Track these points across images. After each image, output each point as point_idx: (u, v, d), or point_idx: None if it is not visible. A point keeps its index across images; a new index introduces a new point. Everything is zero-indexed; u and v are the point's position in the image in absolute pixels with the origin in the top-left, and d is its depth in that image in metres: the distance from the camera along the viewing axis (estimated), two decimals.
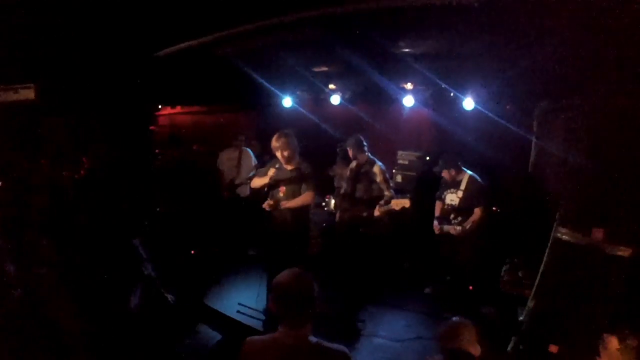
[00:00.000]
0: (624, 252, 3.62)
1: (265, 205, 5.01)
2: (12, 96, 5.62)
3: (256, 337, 2.31)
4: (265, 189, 5.22)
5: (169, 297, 4.45)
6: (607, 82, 4.21)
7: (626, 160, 3.93)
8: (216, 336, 4.87)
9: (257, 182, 5.23)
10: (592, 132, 4.42)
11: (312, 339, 2.21)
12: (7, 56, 5.17)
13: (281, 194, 5.02)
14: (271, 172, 5.01)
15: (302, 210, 5.03)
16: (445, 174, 5.56)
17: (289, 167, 5.03)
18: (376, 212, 5.41)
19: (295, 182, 4.99)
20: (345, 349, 2.25)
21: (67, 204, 5.91)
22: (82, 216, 5.26)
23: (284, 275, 2.28)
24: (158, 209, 7.19)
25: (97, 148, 7.36)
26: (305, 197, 4.97)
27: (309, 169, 5.05)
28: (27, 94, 5.69)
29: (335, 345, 2.24)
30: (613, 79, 4.12)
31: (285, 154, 4.92)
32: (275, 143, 4.91)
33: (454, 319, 2.78)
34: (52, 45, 5.25)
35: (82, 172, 6.62)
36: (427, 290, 6.04)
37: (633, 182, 3.82)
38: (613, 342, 2.51)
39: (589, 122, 4.61)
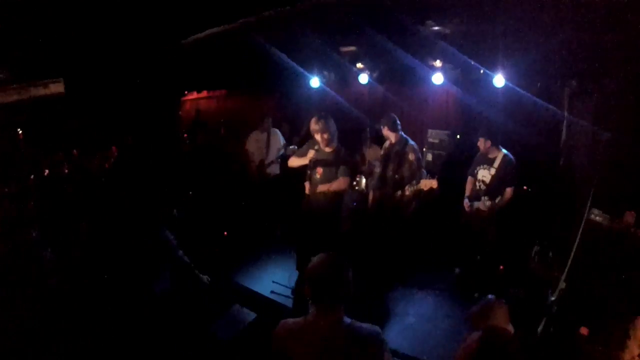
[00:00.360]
0: None
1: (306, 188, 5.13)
2: (42, 91, 5.78)
3: (290, 321, 2.32)
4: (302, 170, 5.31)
5: (204, 277, 4.57)
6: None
7: None
8: (250, 315, 4.99)
9: (296, 161, 5.32)
10: (624, 114, 4.34)
11: (346, 320, 2.24)
12: (35, 52, 5.31)
13: (318, 176, 5.08)
14: (311, 154, 5.06)
15: (336, 194, 5.07)
16: (480, 143, 5.46)
17: (328, 150, 5.07)
18: (406, 192, 5.44)
19: (332, 164, 5.03)
20: (378, 329, 2.26)
21: (98, 192, 6.12)
22: (112, 204, 5.44)
23: (318, 260, 2.30)
24: (189, 193, 7.34)
25: (126, 137, 7.56)
26: (340, 182, 5.02)
27: (346, 154, 5.11)
28: (57, 88, 5.85)
29: (367, 326, 2.26)
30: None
31: (325, 136, 4.96)
32: (314, 126, 4.95)
33: (489, 296, 2.75)
34: (80, 39, 5.36)
35: (111, 160, 6.81)
36: (457, 270, 6.02)
37: None
38: None
39: (620, 102, 4.53)
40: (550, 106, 5.79)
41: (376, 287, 5.67)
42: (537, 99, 5.82)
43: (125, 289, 4.03)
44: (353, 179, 6.98)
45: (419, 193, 5.51)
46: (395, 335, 4.78)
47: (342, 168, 5.01)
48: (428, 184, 5.21)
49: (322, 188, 5.02)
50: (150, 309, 3.99)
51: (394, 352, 4.47)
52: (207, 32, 5.41)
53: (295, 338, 2.24)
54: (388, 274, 5.87)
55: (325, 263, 2.28)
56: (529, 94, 5.85)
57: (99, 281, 4.30)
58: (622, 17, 3.86)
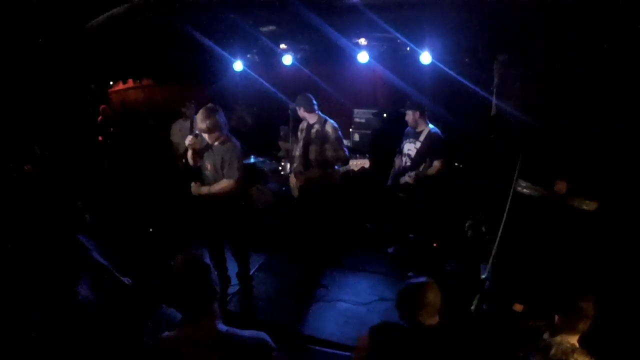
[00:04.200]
0: (589, 205, 3.56)
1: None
2: None
3: (168, 335, 2.13)
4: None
5: (125, 279, 4.22)
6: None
7: (586, 117, 3.88)
8: (178, 314, 4.69)
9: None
10: (549, 88, 4.35)
11: (222, 327, 2.07)
12: None
13: (207, 172, 4.70)
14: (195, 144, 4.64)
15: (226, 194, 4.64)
16: (409, 116, 5.36)
17: (217, 144, 4.61)
18: (334, 173, 5.28)
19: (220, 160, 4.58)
20: (265, 337, 2.11)
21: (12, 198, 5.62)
22: (25, 209, 5.00)
23: (176, 266, 2.17)
24: (115, 188, 6.94)
25: (46, 136, 7.01)
26: (223, 185, 4.57)
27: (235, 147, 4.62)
28: None
29: (250, 333, 2.10)
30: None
31: (215, 135, 4.48)
32: (200, 124, 4.41)
33: (420, 279, 2.65)
34: None
35: (31, 164, 6.31)
36: (390, 250, 5.97)
37: (591, 136, 3.77)
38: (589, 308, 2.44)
39: (544, 76, 4.54)
40: (479, 82, 5.79)
41: (307, 274, 5.52)
42: (465, 76, 5.81)
43: (44, 298, 3.66)
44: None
45: (350, 174, 5.36)
46: (329, 322, 4.67)
47: (228, 167, 4.52)
48: (359, 163, 5.05)
49: (203, 190, 4.61)
50: (74, 317, 3.64)
51: (328, 342, 4.35)
52: (110, 13, 4.96)
53: (174, 352, 2.07)
54: (319, 258, 5.73)
55: (181, 266, 2.16)
56: (456, 72, 5.84)
57: (15, 291, 3.90)
58: None
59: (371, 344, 2.55)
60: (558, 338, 2.45)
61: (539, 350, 2.45)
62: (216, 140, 4.53)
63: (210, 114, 4.37)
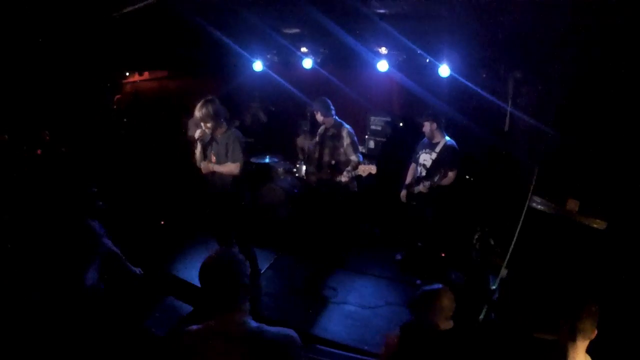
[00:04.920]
0: (599, 224, 3.63)
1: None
2: None
3: (193, 328, 2.10)
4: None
5: (136, 269, 4.27)
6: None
7: (598, 134, 3.93)
8: (185, 307, 4.76)
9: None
10: (563, 105, 4.41)
11: (252, 323, 2.06)
12: None
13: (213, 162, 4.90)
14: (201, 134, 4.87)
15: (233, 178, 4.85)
16: (426, 126, 5.42)
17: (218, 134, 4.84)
18: (343, 178, 5.34)
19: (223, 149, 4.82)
20: (292, 333, 2.08)
21: (25, 181, 5.69)
22: (39, 192, 5.06)
23: (207, 259, 2.13)
24: (127, 179, 7.01)
25: (58, 122, 7.09)
26: (230, 167, 4.78)
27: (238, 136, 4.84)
28: None
29: (280, 330, 2.07)
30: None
31: (209, 125, 4.69)
32: (197, 113, 4.64)
33: (435, 285, 2.73)
34: None
35: (42, 148, 6.39)
36: (397, 256, 6.04)
37: (605, 155, 3.82)
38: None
39: (559, 93, 4.60)
40: (495, 96, 5.84)
41: (316, 275, 5.59)
42: (482, 90, 5.85)
43: (52, 282, 3.71)
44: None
45: (357, 179, 5.46)
46: (336, 324, 4.73)
47: (232, 151, 4.75)
48: (366, 169, 5.13)
49: (205, 166, 4.87)
50: (80, 303, 3.68)
51: (334, 343, 4.43)
52: (137, 5, 5.03)
53: (199, 345, 2.03)
54: (328, 261, 5.80)
55: (214, 261, 2.12)
56: (473, 85, 5.89)
57: (24, 274, 3.94)
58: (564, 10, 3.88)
59: (400, 342, 2.58)
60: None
61: None
62: (215, 129, 4.73)
63: (206, 103, 4.60)
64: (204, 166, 4.89)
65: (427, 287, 2.74)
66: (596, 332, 2.47)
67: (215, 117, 4.63)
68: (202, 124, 4.69)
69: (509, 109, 5.89)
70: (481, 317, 4.02)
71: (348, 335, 4.52)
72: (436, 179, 5.21)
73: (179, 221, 6.81)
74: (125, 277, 4.17)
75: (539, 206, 3.91)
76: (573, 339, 2.47)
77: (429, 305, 2.63)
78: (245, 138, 4.94)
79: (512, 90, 5.88)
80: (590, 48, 4.31)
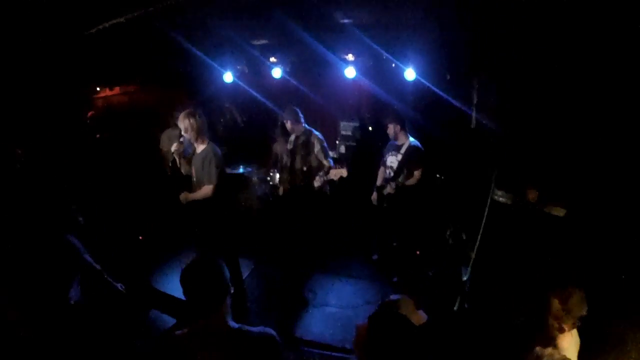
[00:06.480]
0: (559, 212, 3.82)
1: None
2: None
3: (177, 333, 2.15)
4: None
5: (118, 285, 4.28)
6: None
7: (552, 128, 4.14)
8: (169, 321, 4.79)
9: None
10: (519, 104, 4.60)
11: (232, 324, 2.13)
12: None
13: (194, 179, 4.92)
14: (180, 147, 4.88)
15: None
16: (390, 129, 5.57)
17: (199, 147, 4.84)
18: (316, 183, 5.44)
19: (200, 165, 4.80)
20: (272, 332, 2.17)
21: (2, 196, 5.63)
22: (17, 209, 5.02)
23: (187, 263, 2.18)
24: (103, 195, 6.97)
25: (31, 138, 7.02)
26: (205, 191, 4.75)
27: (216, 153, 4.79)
28: None
29: (260, 329, 2.16)
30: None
31: (191, 135, 4.72)
32: (180, 123, 4.70)
33: (391, 296, 2.57)
34: None
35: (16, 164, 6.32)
36: (374, 256, 6.17)
37: (560, 146, 4.02)
38: (555, 304, 2.60)
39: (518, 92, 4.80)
40: (460, 98, 6.03)
41: (295, 279, 5.68)
42: (447, 92, 6.05)
43: (35, 300, 3.71)
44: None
45: (330, 183, 5.61)
46: (317, 325, 4.83)
47: (207, 172, 4.71)
48: (338, 173, 5.24)
49: (183, 197, 4.85)
50: (65, 320, 3.70)
51: (317, 344, 4.51)
52: (111, 22, 5.10)
53: (184, 349, 2.09)
54: (306, 264, 5.90)
55: (195, 265, 2.18)
56: (438, 88, 6.06)
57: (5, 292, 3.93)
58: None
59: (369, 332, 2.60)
60: (549, 349, 2.51)
61: None
62: (196, 141, 4.76)
63: (189, 115, 4.65)
64: (182, 197, 4.86)
65: (387, 299, 2.71)
66: (562, 316, 2.58)
67: (198, 129, 4.68)
68: (183, 133, 4.72)
69: (473, 108, 6.10)
70: (455, 307, 4.19)
71: (331, 336, 4.62)
72: (401, 178, 5.37)
73: (159, 235, 6.81)
74: (107, 292, 4.18)
75: (501, 198, 4.10)
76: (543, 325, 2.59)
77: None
78: (222, 149, 4.96)
79: (476, 90, 6.10)
80: (547, 50, 4.54)
